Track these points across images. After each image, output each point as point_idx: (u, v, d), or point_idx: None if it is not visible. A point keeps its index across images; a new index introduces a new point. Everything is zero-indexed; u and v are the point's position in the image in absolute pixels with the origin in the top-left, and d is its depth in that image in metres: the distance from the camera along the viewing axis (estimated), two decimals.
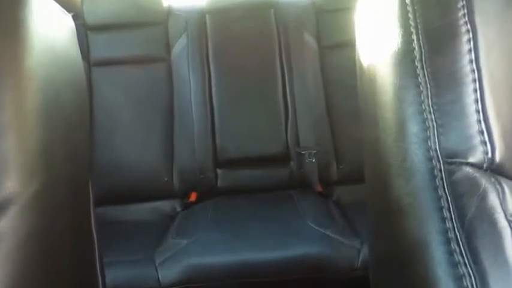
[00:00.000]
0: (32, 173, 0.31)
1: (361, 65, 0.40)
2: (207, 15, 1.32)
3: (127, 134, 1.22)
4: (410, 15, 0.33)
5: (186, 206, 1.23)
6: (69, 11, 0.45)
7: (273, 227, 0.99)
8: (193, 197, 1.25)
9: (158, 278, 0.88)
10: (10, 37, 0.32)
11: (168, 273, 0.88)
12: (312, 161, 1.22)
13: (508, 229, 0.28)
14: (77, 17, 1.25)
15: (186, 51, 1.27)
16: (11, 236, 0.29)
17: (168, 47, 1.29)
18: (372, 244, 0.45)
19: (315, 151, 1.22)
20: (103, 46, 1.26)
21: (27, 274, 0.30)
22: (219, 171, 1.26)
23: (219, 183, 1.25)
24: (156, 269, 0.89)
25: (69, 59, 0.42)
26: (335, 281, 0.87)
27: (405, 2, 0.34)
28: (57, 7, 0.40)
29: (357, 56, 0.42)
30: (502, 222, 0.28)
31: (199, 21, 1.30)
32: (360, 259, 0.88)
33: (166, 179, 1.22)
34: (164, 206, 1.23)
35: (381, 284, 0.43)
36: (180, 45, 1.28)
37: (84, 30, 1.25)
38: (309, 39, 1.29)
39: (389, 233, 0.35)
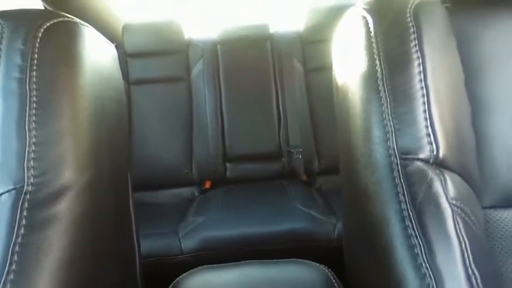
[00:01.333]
0: (84, 167, 0.31)
1: (336, 83, 0.40)
2: (218, 45, 1.32)
3: (156, 136, 1.22)
4: (374, 45, 0.33)
5: (202, 191, 1.23)
6: (112, 42, 0.45)
7: (269, 208, 0.99)
8: (208, 184, 1.25)
9: (181, 247, 0.88)
10: (68, 63, 0.32)
11: (188, 243, 0.88)
12: (298, 157, 1.22)
13: (449, 209, 0.28)
14: (119, 47, 1.25)
15: (202, 73, 1.27)
16: (67, 215, 0.29)
17: (188, 70, 1.29)
18: (345, 221, 0.45)
19: (301, 150, 1.22)
20: (139, 69, 1.26)
21: (80, 245, 0.31)
22: (227, 164, 1.25)
23: (228, 174, 1.25)
24: (179, 240, 0.89)
25: (113, 79, 0.42)
26: (316, 249, 0.87)
27: (370, 35, 0.34)
28: (104, 39, 0.40)
29: (333, 77, 0.41)
30: (445, 204, 0.28)
31: (212, 50, 1.30)
32: (336, 232, 0.88)
33: (186, 171, 1.22)
34: (185, 192, 1.23)
35: (351, 251, 0.43)
36: (197, 69, 1.28)
37: (124, 57, 1.25)
38: (297, 64, 1.29)
39: (358, 212, 0.35)
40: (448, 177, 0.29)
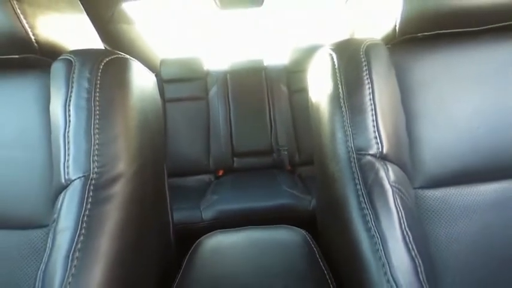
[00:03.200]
0: (133, 160, 0.31)
1: (311, 101, 0.40)
2: (228, 74, 1.31)
3: (184, 138, 1.21)
4: (337, 74, 0.33)
5: (217, 178, 1.22)
6: (153, 71, 0.44)
7: (264, 189, 0.99)
8: (221, 173, 1.24)
9: (201, 216, 0.87)
10: (121, 86, 0.32)
11: (207, 213, 0.88)
12: (285, 153, 1.21)
13: (390, 189, 0.28)
14: (157, 75, 1.24)
15: (216, 94, 1.26)
16: (121, 195, 0.29)
17: (206, 91, 1.28)
18: (318, 198, 0.44)
19: (286, 147, 1.22)
20: (172, 91, 1.25)
21: (130, 217, 0.30)
22: (235, 158, 1.25)
23: (235, 165, 1.24)
24: (201, 212, 0.88)
25: (153, 98, 0.42)
26: (297, 218, 0.87)
27: (335, 67, 0.33)
28: (146, 70, 0.40)
29: (309, 96, 0.41)
30: (387, 185, 0.28)
31: (223, 77, 1.30)
32: (311, 206, 0.88)
33: (206, 162, 1.21)
34: (205, 178, 1.22)
35: (322, 219, 0.43)
36: (213, 91, 1.27)
37: (161, 82, 1.24)
38: (283, 87, 1.28)
39: (327, 191, 0.35)
40: (389, 167, 0.29)
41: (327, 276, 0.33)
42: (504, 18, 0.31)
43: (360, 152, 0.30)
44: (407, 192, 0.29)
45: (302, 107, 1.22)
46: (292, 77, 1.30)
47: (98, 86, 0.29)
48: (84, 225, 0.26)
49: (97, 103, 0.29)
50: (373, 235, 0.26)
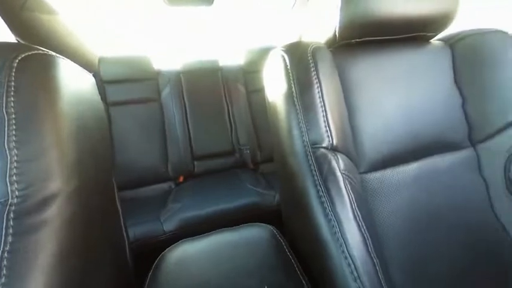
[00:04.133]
0: (70, 176, 0.26)
1: (268, 100, 0.41)
2: (181, 74, 1.24)
3: (135, 145, 1.09)
4: (290, 75, 0.34)
5: (177, 184, 1.14)
6: (89, 71, 0.38)
7: (228, 190, 0.97)
8: (181, 179, 1.16)
9: (163, 228, 0.80)
10: (45, 88, 0.26)
11: (169, 225, 0.81)
12: (247, 152, 1.22)
13: (341, 177, 0.30)
14: (96, 75, 1.07)
15: (170, 95, 1.17)
16: (57, 219, 0.24)
17: (158, 93, 1.17)
18: (280, 192, 0.46)
19: (248, 147, 1.22)
20: (115, 93, 1.10)
21: (71, 243, 0.25)
22: (195, 162, 1.19)
23: (196, 170, 1.18)
24: (162, 223, 0.81)
25: (93, 101, 0.36)
26: (263, 214, 0.88)
27: (287, 68, 0.35)
28: (80, 68, 0.34)
29: (266, 96, 0.42)
30: (338, 173, 0.31)
31: (176, 78, 1.22)
32: (275, 201, 0.91)
33: (164, 170, 1.12)
34: (164, 186, 1.12)
35: (286, 212, 0.44)
36: (165, 92, 1.18)
37: (102, 83, 1.08)
38: (241, 87, 1.28)
39: (288, 185, 0.36)
40: (339, 156, 0.32)
41: (295, 265, 0.34)
42: (413, 29, 0.39)
43: (315, 145, 0.32)
44: (354, 178, 0.33)
45: (260, 106, 1.26)
46: (248, 77, 1.30)
47: (13, 89, 0.23)
48: (5, 263, 0.20)
49: (12, 110, 0.23)
50: (331, 219, 0.29)
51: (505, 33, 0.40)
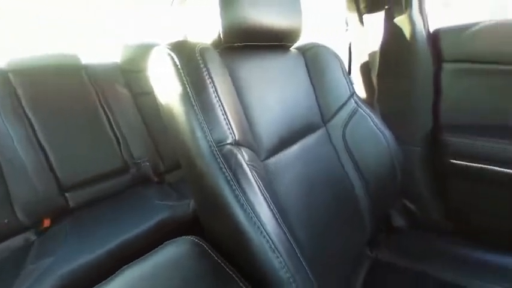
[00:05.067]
0: None
1: (161, 102, 0.37)
2: (9, 74, 0.83)
3: None
4: (182, 74, 0.33)
5: (41, 233, 0.79)
6: None
7: (131, 214, 0.80)
8: (47, 223, 0.81)
9: None
10: None
11: None
12: (146, 164, 1.05)
13: (247, 167, 0.33)
14: None
15: None
16: None
17: None
18: (195, 196, 0.44)
19: (146, 158, 1.05)
20: None
21: None
22: (67, 194, 0.87)
23: (71, 204, 0.87)
24: None
25: None
26: (179, 225, 0.81)
27: (178, 67, 0.33)
28: None
29: (157, 98, 0.38)
30: (245, 165, 0.33)
31: (3, 81, 0.81)
32: (191, 208, 0.86)
33: (6, 220, 0.73)
34: (14, 242, 0.75)
35: (203, 214, 0.43)
36: None
37: None
38: (122, 89, 1.07)
39: (200, 187, 0.35)
40: (243, 150, 0.35)
41: (225, 267, 0.35)
42: (278, 39, 0.49)
43: (220, 143, 0.33)
44: (258, 166, 0.38)
45: (153, 110, 1.11)
46: (131, 78, 1.11)
47: None
48: None
49: None
50: (246, 208, 0.31)
51: (327, 47, 0.59)
